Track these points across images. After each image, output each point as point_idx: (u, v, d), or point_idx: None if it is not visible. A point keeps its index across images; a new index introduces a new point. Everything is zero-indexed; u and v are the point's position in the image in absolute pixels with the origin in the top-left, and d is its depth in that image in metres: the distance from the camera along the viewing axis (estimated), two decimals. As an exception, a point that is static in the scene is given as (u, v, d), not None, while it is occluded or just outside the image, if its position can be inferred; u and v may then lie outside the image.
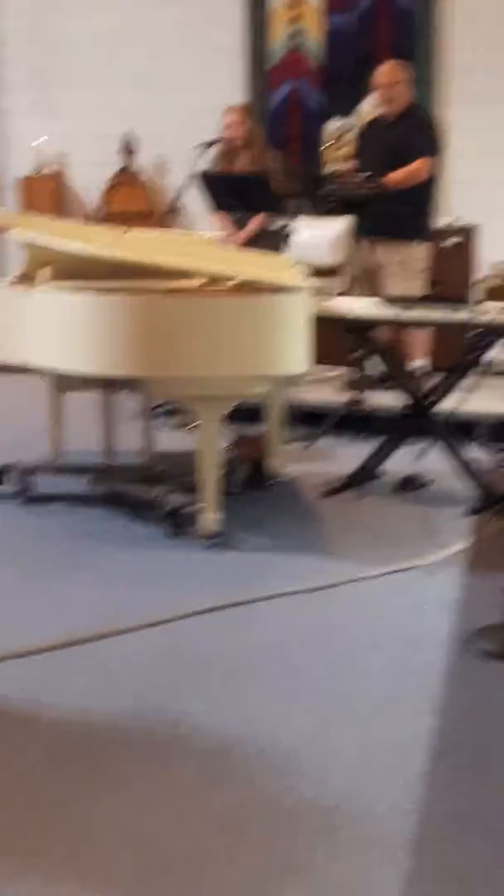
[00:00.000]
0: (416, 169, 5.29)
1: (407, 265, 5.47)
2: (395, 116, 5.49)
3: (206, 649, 2.87)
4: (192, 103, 7.21)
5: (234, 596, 3.21)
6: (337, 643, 2.89)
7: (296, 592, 3.24)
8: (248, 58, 7.45)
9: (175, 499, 3.89)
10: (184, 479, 4.06)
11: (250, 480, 4.40)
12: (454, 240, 6.29)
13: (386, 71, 5.49)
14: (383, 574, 3.39)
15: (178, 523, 3.81)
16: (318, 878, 1.89)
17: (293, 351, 3.71)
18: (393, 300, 4.34)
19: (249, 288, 3.79)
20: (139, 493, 4.08)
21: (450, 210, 6.69)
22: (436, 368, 5.35)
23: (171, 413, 5.66)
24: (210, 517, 3.68)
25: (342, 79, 7.28)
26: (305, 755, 2.31)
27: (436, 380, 4.42)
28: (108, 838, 2.02)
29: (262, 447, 4.51)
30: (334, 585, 3.30)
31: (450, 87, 7.09)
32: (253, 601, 3.18)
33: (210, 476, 3.68)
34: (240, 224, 5.66)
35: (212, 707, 2.53)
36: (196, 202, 5.80)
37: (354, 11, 7.22)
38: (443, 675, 2.67)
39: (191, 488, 3.82)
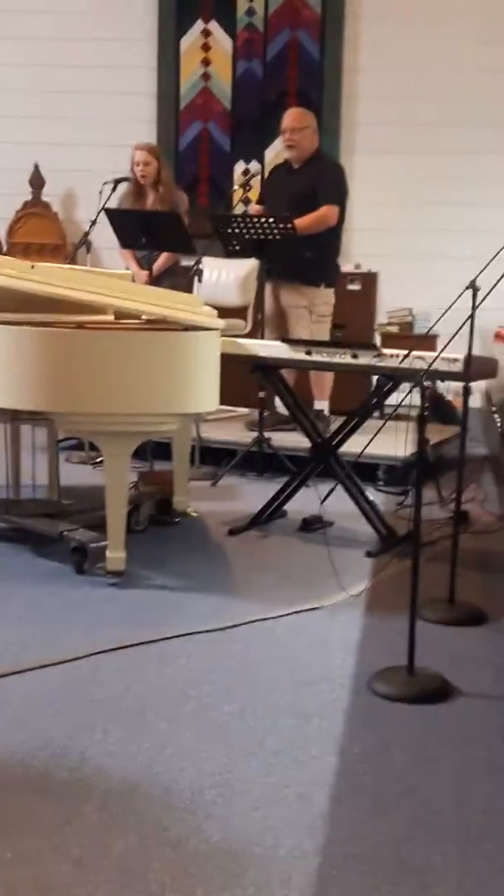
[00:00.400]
0: (323, 215, 5.42)
1: (313, 309, 5.58)
2: (301, 162, 5.62)
3: (111, 688, 2.86)
4: (102, 139, 7.26)
5: (139, 634, 3.21)
6: (242, 683, 2.91)
7: (201, 632, 3.26)
8: (160, 97, 7.53)
9: (81, 535, 3.87)
10: (90, 515, 4.05)
11: (155, 517, 4.41)
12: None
13: (293, 117, 5.63)
14: (288, 614, 3.43)
15: (84, 560, 3.79)
16: (224, 921, 1.90)
17: (203, 389, 3.75)
18: (298, 342, 4.43)
19: (161, 325, 3.83)
20: (45, 528, 4.04)
21: (351, 257, 6.87)
22: (338, 411, 5.47)
23: (78, 447, 5.64)
24: (116, 554, 3.68)
25: (249, 123, 7.42)
26: (211, 795, 2.32)
27: (338, 422, 4.51)
28: (3, 884, 1.99)
29: (168, 484, 4.52)
30: (239, 625, 3.33)
31: (353, 136, 7.29)
32: (158, 640, 3.19)
33: (116, 512, 3.67)
34: (147, 262, 5.70)
35: (115, 747, 2.53)
36: (104, 237, 5.82)
37: (263, 58, 7.38)
38: (344, 715, 2.72)
39: (97, 524, 3.81)
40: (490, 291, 3.07)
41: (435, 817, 2.24)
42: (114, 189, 5.62)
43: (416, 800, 2.31)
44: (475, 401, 6.14)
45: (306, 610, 3.48)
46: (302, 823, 2.22)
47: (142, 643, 3.16)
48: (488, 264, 3.07)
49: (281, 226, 5.13)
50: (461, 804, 2.30)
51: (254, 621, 3.36)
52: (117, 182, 5.65)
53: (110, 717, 2.69)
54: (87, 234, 5.63)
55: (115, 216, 5.50)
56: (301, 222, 5.27)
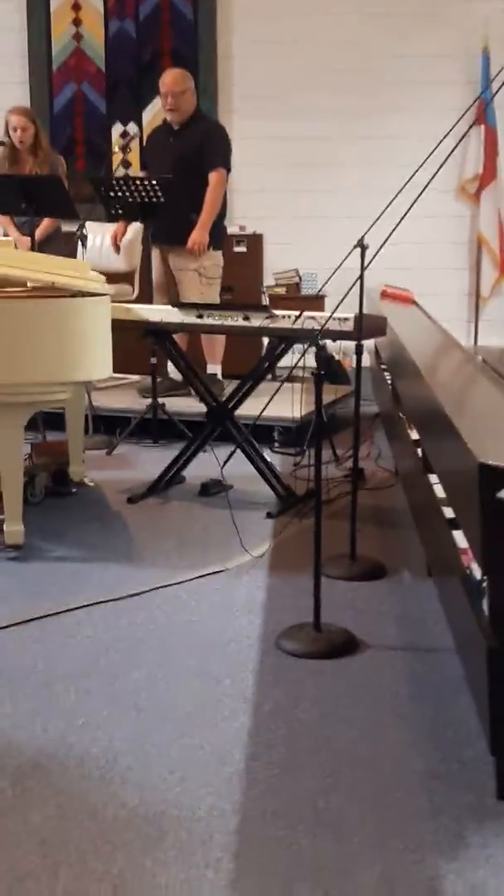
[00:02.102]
0: (216, 183, 5.40)
1: (202, 272, 5.55)
2: (181, 124, 5.56)
3: (16, 662, 2.82)
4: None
5: (41, 607, 3.17)
6: (150, 649, 2.91)
7: (106, 601, 3.24)
8: (31, 59, 7.32)
9: (-26, 510, 3.78)
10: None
11: (52, 489, 4.35)
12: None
13: (172, 79, 5.53)
14: (192, 579, 3.44)
15: (-21, 536, 3.71)
16: (146, 889, 1.90)
17: (95, 356, 3.70)
18: (189, 306, 4.40)
19: (48, 291, 3.75)
20: None
21: (235, 219, 6.85)
22: (230, 374, 5.47)
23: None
24: (13, 528, 3.61)
25: (124, 84, 7.29)
26: (125, 762, 2.32)
27: (232, 386, 4.52)
28: None
29: (62, 454, 4.46)
30: (144, 592, 3.32)
31: (230, 96, 7.23)
32: (61, 612, 3.15)
33: (11, 486, 3.61)
34: (28, 227, 5.56)
35: (25, 721, 2.50)
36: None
37: (136, 17, 7.24)
38: (254, 674, 2.74)
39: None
40: (379, 250, 3.09)
41: (348, 769, 2.29)
42: (-11, 154, 5.46)
43: (329, 753, 2.35)
44: (365, 360, 6.23)
45: (210, 573, 3.49)
46: (219, 783, 2.23)
47: (45, 616, 3.13)
48: (374, 222, 3.10)
49: (161, 190, 5.09)
50: (372, 754, 2.35)
51: (158, 588, 3.36)
52: (-7, 146, 5.49)
53: (17, 691, 2.66)
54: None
55: (-9, 181, 5.34)
56: (206, 207, 5.36)
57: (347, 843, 2.02)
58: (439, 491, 2.95)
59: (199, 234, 5.37)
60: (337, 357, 6.07)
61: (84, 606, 3.20)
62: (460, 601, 2.41)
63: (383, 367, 5.04)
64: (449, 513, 2.76)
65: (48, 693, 2.65)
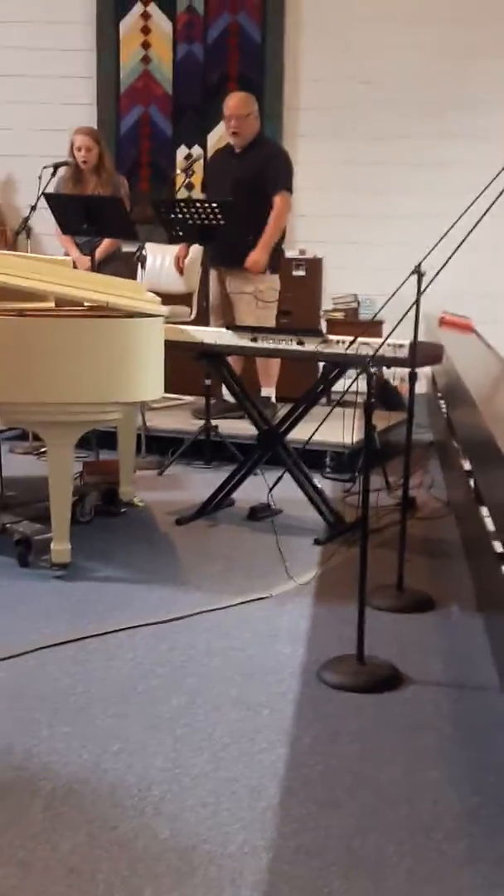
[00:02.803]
0: (281, 209, 5.41)
1: (259, 295, 5.54)
2: (243, 147, 5.57)
3: (57, 684, 2.80)
4: (42, 123, 7.14)
5: (84, 628, 3.16)
6: (190, 675, 2.87)
7: (148, 624, 3.21)
8: (99, 80, 7.41)
9: (25, 527, 3.80)
10: (34, 507, 3.98)
11: (101, 508, 4.35)
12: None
13: (236, 103, 5.56)
14: (235, 605, 3.40)
15: (28, 552, 3.72)
16: (173, 921, 1.87)
17: (147, 377, 3.69)
18: (243, 329, 4.39)
19: (104, 311, 3.76)
20: (-14, 522, 3.97)
21: (295, 243, 6.84)
22: (285, 398, 5.44)
23: (21, 437, 5.55)
24: (60, 546, 3.61)
25: (190, 107, 7.34)
26: (159, 791, 2.28)
27: (286, 409, 4.48)
28: (-46, 889, 1.94)
29: (113, 474, 4.46)
30: (187, 616, 3.29)
31: (296, 121, 7.25)
32: (104, 633, 3.14)
33: (60, 504, 3.61)
34: (88, 248, 5.62)
35: (62, 744, 2.48)
36: (44, 223, 5.73)
37: (204, 41, 7.30)
38: (293, 706, 2.69)
39: (41, 516, 3.75)
40: (435, 276, 3.05)
41: (386, 808, 2.23)
42: (53, 174, 5.53)
43: (367, 790, 2.29)
44: (421, 386, 6.17)
45: (254, 600, 3.45)
46: (252, 818, 2.19)
47: (87, 637, 3.11)
48: (432, 249, 3.05)
49: (222, 213, 5.09)
50: (412, 794, 2.28)
51: (201, 612, 3.32)
52: (57, 166, 5.55)
53: (56, 713, 2.64)
54: (26, 219, 5.53)
55: (55, 201, 5.40)
56: (267, 233, 5.36)
57: (381, 887, 1.96)
58: (490, 524, 2.88)
59: (258, 254, 5.37)
60: (393, 383, 6.03)
61: (126, 629, 3.17)
62: (507, 640, 2.35)
63: (439, 395, 4.97)
64: (499, 547, 2.69)
65: (86, 717, 2.62)
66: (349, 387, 3.11)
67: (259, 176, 5.41)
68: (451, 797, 2.27)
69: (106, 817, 2.19)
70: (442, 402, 4.82)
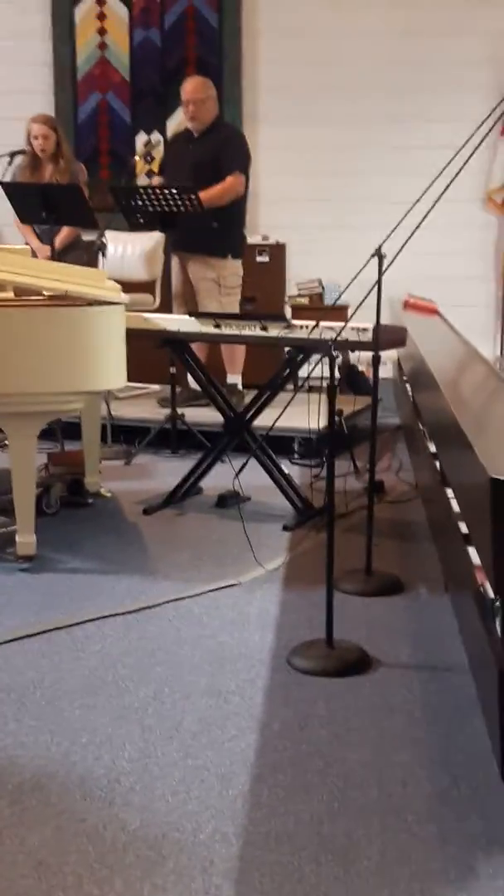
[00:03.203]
0: (229, 185, 5.34)
1: (221, 281, 5.51)
2: (201, 132, 5.52)
3: (23, 677, 2.77)
4: (-2, 112, 7.04)
5: (52, 620, 3.13)
6: (159, 664, 2.85)
7: (116, 614, 3.19)
8: (56, 68, 7.33)
9: (-12, 521, 3.76)
10: (-3, 500, 3.94)
11: (67, 499, 4.32)
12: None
13: (193, 87, 5.51)
14: (205, 592, 3.38)
15: (-8, 546, 3.69)
16: (144, 912, 1.85)
17: (109, 366, 3.66)
18: (207, 316, 4.36)
19: (64, 300, 3.71)
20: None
21: (258, 228, 6.81)
22: (252, 385, 5.41)
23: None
24: (25, 539, 3.58)
25: (149, 93, 7.28)
26: (128, 782, 2.27)
27: (251, 396, 4.46)
28: None
29: (79, 464, 4.42)
30: (156, 605, 3.27)
31: (256, 104, 7.20)
32: (72, 625, 3.11)
33: (25, 496, 3.57)
34: (48, 237, 5.55)
35: (29, 738, 2.45)
36: (2, 212, 5.65)
37: (161, 26, 7.23)
38: (263, 692, 2.68)
39: (6, 508, 3.71)
40: (394, 259, 3.04)
41: (356, 792, 2.22)
42: (10, 162, 5.46)
43: (337, 775, 2.29)
44: (388, 370, 6.17)
45: (223, 587, 3.44)
46: (222, 805, 2.18)
47: (55, 629, 3.08)
48: (391, 232, 3.03)
49: (187, 200, 5.02)
50: (382, 777, 2.28)
51: (170, 601, 3.30)
52: (13, 155, 5.48)
53: (23, 706, 2.61)
54: (-16, 209, 5.45)
55: (12, 190, 5.33)
56: (207, 194, 5.17)
57: (352, 871, 1.96)
58: (456, 505, 2.88)
59: (204, 194, 5.16)
60: (360, 367, 6.02)
61: (94, 619, 3.15)
62: (473, 620, 2.34)
63: (405, 378, 4.97)
64: (465, 528, 2.69)
65: (53, 709, 2.60)
66: (312, 371, 3.09)
67: (216, 159, 5.37)
68: (421, 779, 2.27)
69: (74, 809, 2.17)
70: (408, 385, 4.82)
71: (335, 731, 2.49)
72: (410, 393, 4.61)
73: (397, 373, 5.91)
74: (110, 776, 2.29)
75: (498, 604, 2.14)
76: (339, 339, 3.49)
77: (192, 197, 5.00)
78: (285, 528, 4.04)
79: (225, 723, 2.52)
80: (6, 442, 4.44)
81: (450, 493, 3.02)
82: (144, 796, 2.21)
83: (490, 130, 3.23)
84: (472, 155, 2.96)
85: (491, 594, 2.24)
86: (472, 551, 2.53)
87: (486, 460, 2.06)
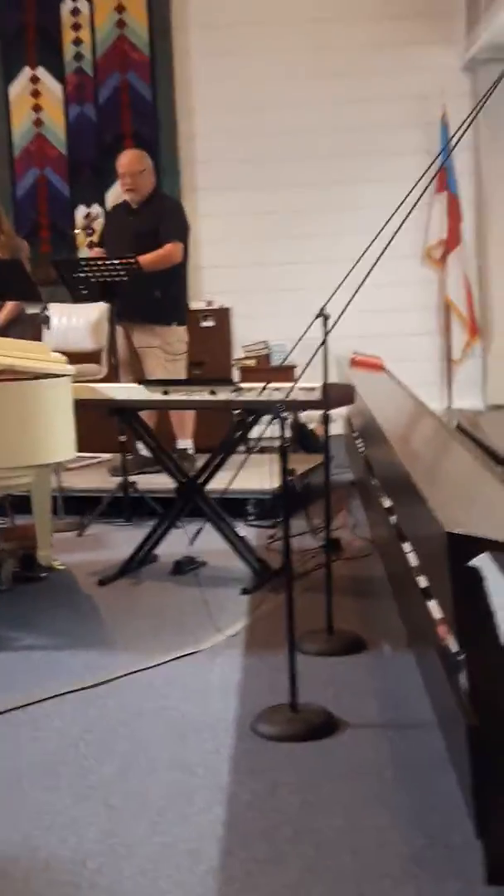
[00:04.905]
0: (167, 252, 5.38)
1: (166, 348, 5.52)
2: (140, 203, 5.58)
3: (-18, 762, 2.69)
4: None
5: (8, 700, 3.05)
6: (122, 739, 2.79)
7: (75, 690, 3.12)
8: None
9: None
10: None
11: (20, 575, 4.24)
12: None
13: (129, 160, 5.58)
14: (165, 662, 3.32)
15: None
16: None
17: (58, 438, 3.63)
18: (154, 383, 4.36)
19: (9, 375, 3.69)
20: None
21: (202, 294, 6.87)
22: (205, 448, 5.40)
23: None
24: (-22, 618, 3.50)
25: (86, 166, 7.36)
26: (95, 863, 2.19)
27: (203, 460, 4.45)
28: None
29: (31, 538, 4.35)
30: (116, 678, 3.20)
31: (194, 174, 7.31)
32: (29, 704, 3.03)
33: (-25, 575, 3.50)
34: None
35: (-10, 825, 2.37)
36: None
37: (95, 101, 7.34)
38: (229, 762, 2.62)
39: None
40: (338, 319, 3.06)
41: (330, 859, 2.17)
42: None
43: (310, 843, 2.23)
44: (338, 427, 6.20)
45: (184, 655, 3.38)
46: (193, 881, 2.11)
47: (12, 709, 3.00)
48: (334, 293, 3.07)
49: (125, 263, 5.05)
50: (356, 842, 2.23)
51: (130, 673, 3.24)
52: (-45, 232, 5.49)
53: (-18, 792, 2.52)
54: None
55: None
56: (146, 259, 5.21)
57: (330, 943, 1.90)
58: (413, 560, 2.87)
59: (144, 258, 5.23)
60: (310, 426, 6.05)
61: (52, 697, 3.07)
62: (438, 676, 2.32)
63: (355, 434, 4.99)
64: (424, 582, 2.68)
65: (14, 792, 2.52)
66: (263, 433, 3.09)
67: (155, 230, 5.42)
68: (396, 841, 2.22)
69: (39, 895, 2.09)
70: (359, 441, 4.84)
71: (305, 797, 2.43)
72: (362, 449, 4.62)
73: (347, 429, 5.94)
74: (76, 859, 2.21)
75: (461, 658, 2.12)
76: (287, 399, 3.49)
77: (132, 261, 5.03)
78: (244, 592, 4.00)
79: (192, 796, 2.46)
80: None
81: (407, 547, 3.01)
82: (112, 878, 2.14)
83: (425, 189, 3.31)
84: (409, 213, 3.00)
85: (454, 648, 2.22)
86: (432, 605, 2.52)
87: (440, 514, 2.06)
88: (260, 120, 7.17)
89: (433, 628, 2.45)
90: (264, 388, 3.86)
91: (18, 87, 7.36)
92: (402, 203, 3.13)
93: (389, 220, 3.05)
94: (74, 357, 4.67)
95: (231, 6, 7.17)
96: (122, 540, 4.82)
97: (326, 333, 3.27)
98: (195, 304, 6.27)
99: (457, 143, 5.60)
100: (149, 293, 5.29)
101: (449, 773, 2.45)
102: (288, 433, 2.90)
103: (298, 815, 2.36)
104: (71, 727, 2.88)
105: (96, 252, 5.76)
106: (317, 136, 7.12)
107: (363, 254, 3.07)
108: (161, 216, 5.49)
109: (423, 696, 2.89)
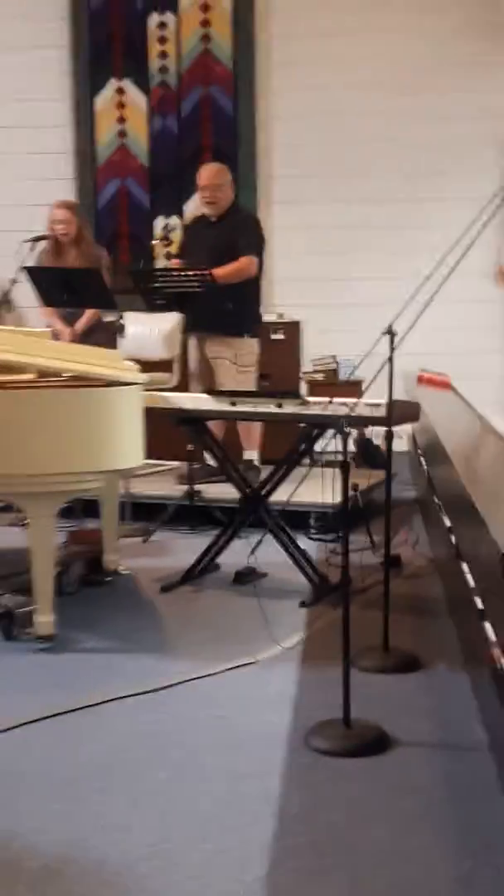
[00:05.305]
0: (242, 265, 5.45)
1: (238, 359, 5.58)
2: (219, 216, 5.66)
3: (41, 760, 2.76)
4: (21, 198, 7.24)
5: (69, 701, 3.12)
6: (176, 746, 2.83)
7: (133, 695, 3.18)
8: (77, 155, 7.55)
9: (7, 599, 3.77)
10: (17, 579, 3.95)
11: (86, 578, 4.33)
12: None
13: (209, 174, 5.66)
14: (221, 671, 3.37)
15: (11, 625, 3.69)
16: None
17: (127, 445, 3.71)
18: (222, 394, 4.41)
19: (82, 382, 3.78)
20: (-31, 596, 3.94)
21: (273, 307, 6.92)
22: (271, 461, 5.45)
23: (6, 508, 5.53)
24: (44, 618, 3.59)
25: (166, 178, 7.47)
26: (145, 868, 2.24)
27: (267, 472, 4.49)
28: None
29: (98, 542, 4.45)
30: (173, 685, 3.26)
31: (270, 188, 7.37)
32: (89, 706, 3.10)
33: (43, 575, 3.59)
34: (70, 319, 5.67)
35: (45, 822, 2.43)
36: (26, 297, 5.78)
37: (178, 114, 7.44)
38: (281, 774, 2.65)
39: (26, 588, 3.72)
40: (405, 336, 3.09)
41: (376, 875, 2.19)
42: (33, 247, 5.59)
43: (356, 858, 2.25)
44: (403, 444, 6.19)
45: (240, 666, 3.42)
46: (240, 891, 2.14)
47: (72, 710, 3.07)
48: (403, 310, 3.09)
49: (199, 275, 5.13)
50: (402, 860, 2.24)
51: (187, 681, 3.29)
52: (36, 240, 5.62)
53: (40, 790, 2.59)
54: (7, 293, 5.58)
55: (35, 274, 5.46)
56: (220, 272, 5.28)
57: None
58: (471, 580, 2.87)
59: (218, 271, 5.29)
60: (375, 442, 6.05)
61: (111, 700, 3.14)
62: (492, 699, 2.33)
63: (420, 452, 4.99)
64: (480, 603, 2.68)
65: (70, 793, 2.58)
66: (326, 446, 3.12)
67: (233, 243, 5.49)
68: (443, 862, 2.23)
69: (91, 896, 2.14)
70: (422, 458, 4.84)
71: (354, 813, 2.45)
72: (425, 466, 4.62)
73: (412, 446, 5.93)
74: (127, 861, 2.26)
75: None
76: (352, 415, 3.52)
77: (206, 274, 5.11)
78: (302, 605, 4.03)
79: (242, 806, 2.50)
80: (26, 521, 4.49)
81: (465, 567, 3.01)
82: (162, 882, 2.18)
83: (498, 207, 3.31)
84: (480, 232, 3.01)
85: (507, 671, 2.23)
86: (488, 627, 2.52)
87: (498, 536, 2.07)
88: (335, 134, 7.21)
89: (488, 650, 2.46)
90: (330, 403, 3.89)
91: (104, 99, 7.50)
92: (473, 221, 3.15)
93: (461, 237, 3.07)
94: (147, 365, 4.75)
95: (312, 20, 7.22)
96: (185, 548, 4.88)
97: (393, 350, 3.29)
98: (266, 317, 6.32)
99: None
100: (222, 305, 5.35)
101: (499, 796, 2.46)
102: (352, 448, 2.92)
103: (347, 830, 2.38)
104: (127, 731, 2.94)
105: (175, 263, 5.85)
106: (391, 151, 7.14)
107: (433, 270, 3.09)
108: (238, 229, 5.56)
109: (477, 717, 2.89)
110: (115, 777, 2.66)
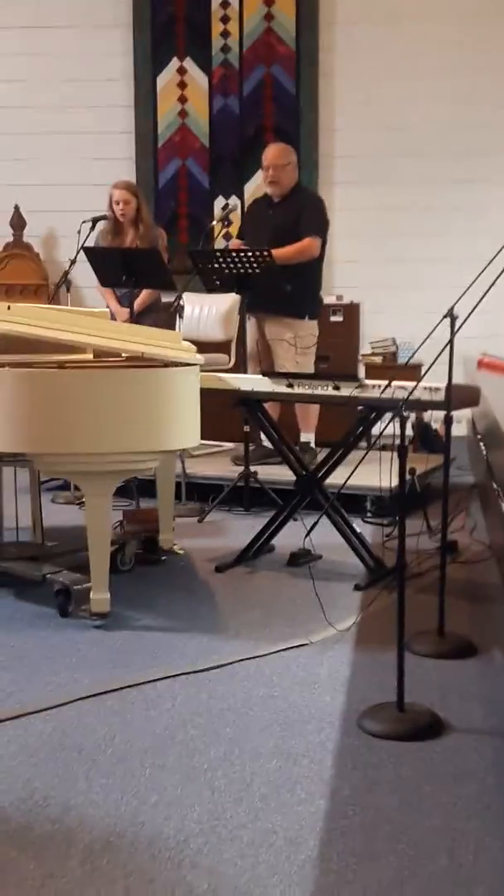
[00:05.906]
0: (305, 246, 5.43)
1: (297, 341, 5.57)
2: (282, 197, 5.63)
3: (95, 735, 2.80)
4: (82, 178, 7.29)
5: (123, 678, 3.16)
6: (229, 725, 2.85)
7: (187, 673, 3.20)
8: (137, 135, 7.56)
9: (65, 577, 3.82)
10: (74, 556, 4.00)
11: (141, 556, 4.37)
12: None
13: (275, 153, 5.64)
14: (275, 652, 3.38)
15: (68, 602, 3.74)
16: None
17: (183, 425, 3.72)
18: (279, 375, 4.41)
19: (139, 362, 3.80)
20: (28, 572, 3.99)
21: (332, 288, 6.88)
22: (326, 443, 5.43)
23: (63, 487, 5.60)
24: (100, 596, 3.62)
25: (227, 159, 7.45)
26: (197, 844, 2.26)
27: (323, 454, 4.48)
28: (-10, 945, 1.93)
29: (153, 522, 4.48)
30: (226, 664, 3.27)
31: (331, 168, 7.32)
32: (143, 683, 3.13)
33: (99, 553, 3.62)
34: (128, 299, 5.70)
35: (100, 796, 2.47)
36: (85, 276, 5.82)
37: (239, 94, 7.42)
38: (333, 755, 2.66)
39: (81, 565, 3.77)
40: (466, 319, 3.05)
41: (426, 860, 2.18)
42: (92, 228, 5.63)
43: (407, 841, 2.25)
44: (462, 429, 6.14)
45: (294, 647, 3.43)
46: (290, 870, 2.15)
47: (126, 687, 3.10)
48: (464, 293, 3.05)
49: (259, 255, 5.12)
50: (452, 845, 2.24)
51: (240, 660, 3.30)
52: (96, 220, 5.66)
53: (94, 765, 2.63)
54: (66, 273, 5.62)
55: (94, 254, 5.49)
56: (281, 252, 5.26)
57: (421, 943, 1.92)
58: (529, 568, 2.84)
59: (278, 252, 5.27)
60: (434, 426, 6.00)
61: (165, 678, 3.17)
62: (547, 686, 2.30)
63: (479, 437, 4.94)
64: (538, 591, 2.65)
65: (124, 768, 2.61)
66: (383, 430, 3.10)
67: (295, 224, 5.47)
68: (494, 849, 2.22)
69: (143, 870, 2.17)
70: (482, 444, 4.79)
71: (405, 796, 2.45)
72: (484, 452, 4.58)
73: (471, 431, 5.87)
74: (179, 837, 2.29)
75: None
76: (410, 399, 3.49)
77: (265, 253, 5.09)
78: (357, 588, 4.02)
79: (294, 786, 2.51)
80: (83, 500, 4.54)
81: (523, 555, 2.98)
82: (213, 859, 2.20)
83: None
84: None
85: None
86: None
87: None
88: (396, 115, 7.14)
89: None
90: (388, 386, 3.86)
91: (166, 78, 7.50)
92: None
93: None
94: (204, 346, 4.77)
95: (375, 2, 7.15)
96: (240, 528, 4.90)
97: (453, 334, 3.25)
98: (326, 299, 6.29)
99: None
100: (282, 286, 5.34)
101: (553, 785, 2.44)
102: (410, 432, 2.90)
103: (398, 813, 2.38)
104: (181, 708, 2.96)
105: (235, 244, 5.85)
106: (452, 133, 7.05)
107: (497, 254, 3.04)
108: (301, 210, 5.54)
109: (533, 706, 2.87)
110: (168, 754, 2.68)
